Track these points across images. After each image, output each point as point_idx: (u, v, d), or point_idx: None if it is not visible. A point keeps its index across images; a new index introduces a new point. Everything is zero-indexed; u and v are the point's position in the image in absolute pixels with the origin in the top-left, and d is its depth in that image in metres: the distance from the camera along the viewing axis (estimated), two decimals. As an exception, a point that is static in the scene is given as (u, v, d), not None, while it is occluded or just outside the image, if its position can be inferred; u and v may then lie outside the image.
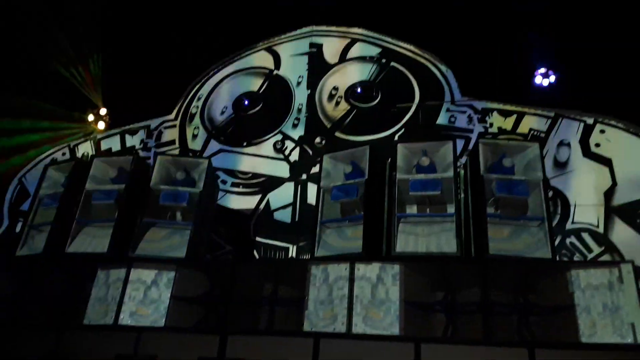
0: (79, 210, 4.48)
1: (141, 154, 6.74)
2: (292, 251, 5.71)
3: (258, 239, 5.89)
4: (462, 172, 4.33)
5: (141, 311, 3.98)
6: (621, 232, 4.80)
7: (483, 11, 6.16)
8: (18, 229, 6.50)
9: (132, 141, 7.10)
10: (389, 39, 6.59)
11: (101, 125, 7.27)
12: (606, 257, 4.72)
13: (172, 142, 6.88)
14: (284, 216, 5.96)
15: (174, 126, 7.01)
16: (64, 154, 7.27)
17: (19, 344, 4.02)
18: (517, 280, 3.69)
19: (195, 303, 4.17)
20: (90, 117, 7.29)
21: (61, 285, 4.52)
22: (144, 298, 4.02)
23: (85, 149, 7.23)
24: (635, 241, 4.75)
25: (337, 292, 3.67)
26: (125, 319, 3.94)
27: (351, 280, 3.67)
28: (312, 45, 6.89)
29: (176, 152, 6.69)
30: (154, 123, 7.11)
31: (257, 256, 5.75)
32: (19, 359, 3.94)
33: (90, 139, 7.27)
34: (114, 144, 7.19)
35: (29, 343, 3.99)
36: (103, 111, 7.34)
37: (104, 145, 7.21)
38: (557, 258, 3.92)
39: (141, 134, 7.09)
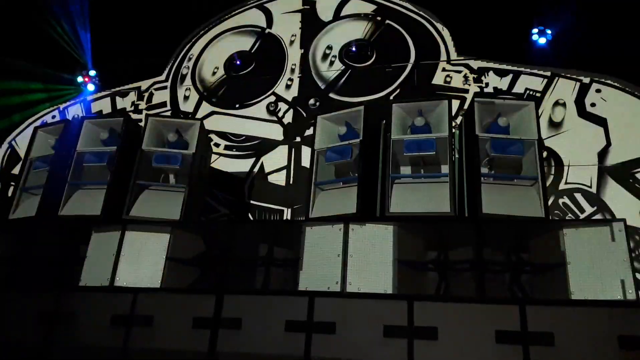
0: (71, 173, 4.43)
1: (133, 116, 6.63)
2: (287, 214, 5.72)
3: (253, 201, 5.89)
4: (457, 132, 4.31)
5: (136, 272, 3.99)
6: (613, 192, 4.83)
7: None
8: (10, 193, 6.48)
9: (123, 103, 6.98)
10: (385, -4, 6.44)
11: (91, 87, 7.13)
12: (598, 217, 4.76)
13: (164, 104, 6.77)
14: (279, 179, 5.95)
15: (165, 87, 6.89)
16: (53, 116, 7.16)
17: (15, 305, 4.05)
18: (510, 239, 3.73)
19: (191, 264, 4.19)
20: (80, 79, 7.14)
21: (55, 248, 4.52)
22: (139, 260, 4.03)
23: (76, 111, 7.12)
24: (627, 201, 4.78)
25: (332, 253, 3.70)
26: (120, 281, 3.96)
27: (345, 240, 3.69)
28: (305, 2, 6.71)
29: (168, 114, 6.59)
30: (144, 85, 6.98)
31: (252, 219, 5.77)
32: (15, 319, 3.97)
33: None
34: (105, 106, 7.08)
35: (26, 304, 4.02)
36: (92, 72, 7.18)
37: (95, 108, 7.09)
38: (550, 217, 3.94)
39: (132, 96, 6.97)
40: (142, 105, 6.85)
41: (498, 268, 3.66)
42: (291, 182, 5.89)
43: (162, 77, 6.97)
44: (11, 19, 7.20)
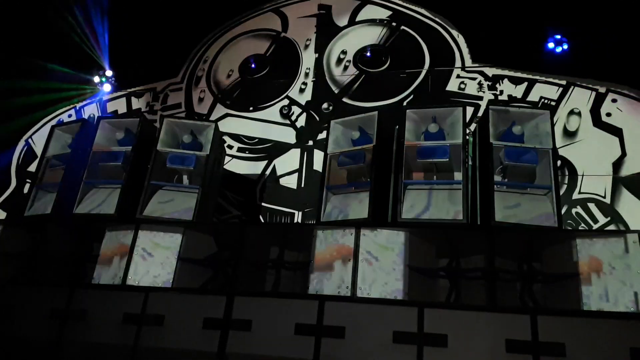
0: (86, 172, 4.50)
1: (148, 116, 6.70)
2: (298, 217, 5.73)
3: (264, 204, 5.91)
4: (471, 139, 4.30)
5: (149, 272, 4.03)
6: (628, 203, 4.78)
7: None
8: (25, 190, 6.57)
9: (138, 104, 7.05)
10: (400, 2, 6.44)
11: (107, 87, 7.21)
12: (612, 228, 4.72)
13: (179, 105, 6.83)
14: (291, 182, 5.96)
15: (180, 89, 6.95)
16: (70, 115, 7.25)
17: (28, 301, 4.10)
18: (522, 248, 3.70)
19: (202, 265, 4.22)
20: (96, 79, 7.22)
21: (69, 245, 4.58)
22: (152, 259, 4.07)
23: (92, 110, 7.20)
24: (642, 212, 4.73)
25: (343, 257, 3.70)
26: (133, 280, 4.00)
27: (356, 245, 3.69)
28: (320, 6, 6.74)
29: (182, 115, 6.65)
30: (160, 86, 7.05)
31: (263, 221, 5.79)
32: (28, 315, 4.02)
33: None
34: (120, 106, 7.15)
35: (39, 300, 4.07)
36: (109, 73, 7.26)
37: (110, 108, 7.17)
38: (563, 227, 3.92)
39: (147, 97, 7.04)
40: (157, 106, 6.91)
41: (510, 277, 3.64)
42: (303, 185, 5.90)
43: (178, 79, 7.03)
44: (30, 18, 7.31)
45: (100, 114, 7.07)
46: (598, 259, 3.29)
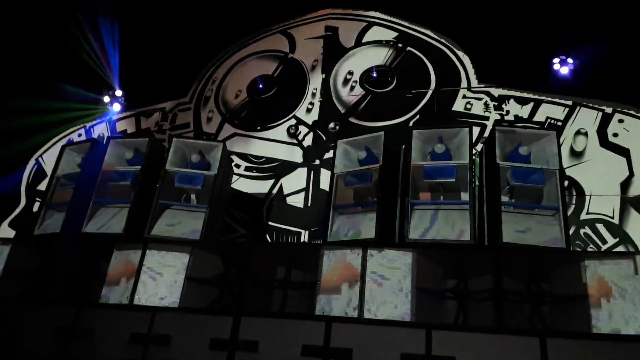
0: (96, 191, 4.53)
1: (156, 136, 6.77)
2: (305, 236, 5.74)
3: (271, 223, 5.93)
4: (478, 159, 4.31)
5: (156, 291, 4.04)
6: (636, 224, 4.75)
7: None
8: (35, 208, 6.62)
9: (147, 123, 7.14)
10: (406, 23, 6.53)
11: (117, 107, 7.30)
12: (620, 249, 4.68)
13: (187, 124, 6.91)
14: (297, 201, 5.98)
15: (189, 109, 7.03)
16: (79, 134, 7.34)
17: (35, 319, 4.11)
18: (530, 269, 3.68)
19: (209, 284, 4.22)
20: (106, 99, 7.32)
21: (77, 264, 4.60)
22: (159, 279, 4.08)
23: (101, 130, 7.29)
24: (651, 233, 4.70)
25: (350, 278, 3.70)
26: (140, 299, 4.01)
27: (363, 266, 3.69)
28: (327, 28, 6.84)
29: (190, 134, 6.72)
30: (168, 105, 7.14)
31: (269, 241, 5.80)
32: (35, 333, 4.03)
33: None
34: (129, 125, 7.24)
35: (46, 319, 4.07)
36: (119, 93, 7.37)
37: (119, 127, 7.26)
38: (571, 248, 3.90)
39: (156, 116, 7.13)
40: (166, 125, 6.99)
41: (518, 298, 3.62)
42: (309, 204, 5.92)
43: (187, 99, 7.12)
44: (40, 38, 7.45)
45: (109, 134, 7.16)
46: (607, 280, 3.27)
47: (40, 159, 7.25)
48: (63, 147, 5.10)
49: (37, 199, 6.71)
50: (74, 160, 4.95)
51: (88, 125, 7.42)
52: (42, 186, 6.57)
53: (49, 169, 6.30)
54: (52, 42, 7.40)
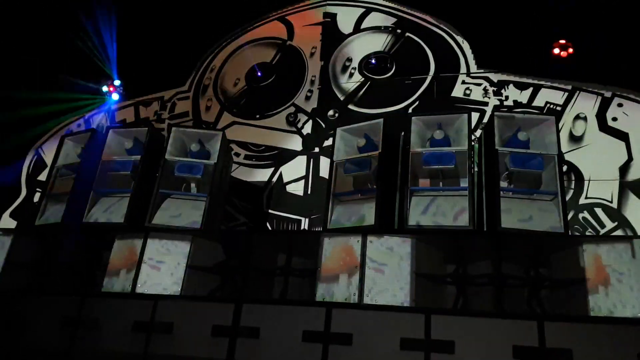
0: (96, 181, 4.55)
1: (155, 125, 6.77)
2: (305, 224, 5.76)
3: (271, 211, 5.95)
4: (477, 145, 4.31)
5: (158, 280, 4.07)
6: (635, 208, 4.77)
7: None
8: (36, 199, 6.64)
9: (146, 112, 7.13)
10: (405, 9, 6.48)
11: (115, 96, 7.29)
12: (619, 233, 4.71)
13: (186, 113, 6.90)
14: (297, 189, 6.00)
15: (187, 98, 7.02)
16: (79, 125, 7.34)
17: (39, 310, 4.15)
18: (529, 254, 3.71)
19: (211, 272, 4.26)
20: (105, 88, 7.30)
21: (79, 254, 4.63)
22: (161, 267, 4.11)
23: (101, 119, 7.29)
24: (649, 216, 4.72)
25: (350, 264, 3.72)
26: (142, 287, 4.04)
27: (363, 252, 3.72)
28: (325, 14, 6.80)
29: (189, 123, 6.71)
30: (167, 94, 7.13)
31: (270, 228, 5.82)
32: (39, 324, 4.07)
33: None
34: (128, 115, 7.23)
35: (49, 309, 4.12)
36: (117, 82, 7.35)
37: (119, 117, 7.25)
38: (570, 232, 3.92)
39: (155, 106, 7.12)
40: (165, 114, 6.99)
41: (517, 283, 3.65)
42: (309, 192, 5.93)
43: (185, 88, 7.10)
44: (38, 29, 7.41)
45: (109, 123, 7.15)
46: (605, 264, 3.30)
47: (40, 149, 7.25)
48: (63, 138, 5.11)
49: (38, 189, 6.73)
50: (73, 150, 4.97)
51: (87, 115, 7.41)
52: (43, 176, 6.59)
53: (49, 160, 6.31)
54: (50, 34, 7.36)
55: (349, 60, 6.47)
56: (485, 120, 5.44)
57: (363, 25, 6.61)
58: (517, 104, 5.56)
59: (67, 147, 4.98)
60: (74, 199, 4.57)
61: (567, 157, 5.11)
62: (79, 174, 4.68)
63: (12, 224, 6.74)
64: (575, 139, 5.22)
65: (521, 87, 5.64)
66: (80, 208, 4.49)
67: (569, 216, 4.84)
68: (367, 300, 3.56)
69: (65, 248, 4.66)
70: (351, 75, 6.38)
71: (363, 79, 6.29)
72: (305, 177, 6.03)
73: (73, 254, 4.63)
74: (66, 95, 7.34)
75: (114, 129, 4.87)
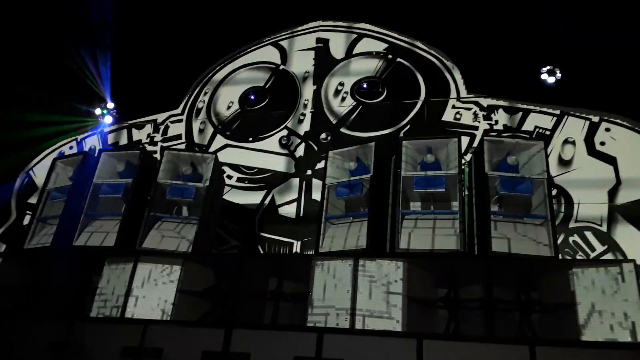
0: (87, 204, 4.53)
1: (148, 147, 6.77)
2: (297, 247, 5.74)
3: (263, 234, 5.93)
4: (467, 169, 4.35)
5: (147, 304, 4.03)
6: (624, 231, 4.81)
7: (490, 7, 6.14)
8: (26, 222, 6.58)
9: (139, 135, 7.14)
10: (396, 35, 6.60)
11: (108, 119, 7.30)
12: (609, 256, 4.73)
13: (179, 136, 6.92)
14: (289, 212, 5.99)
15: (181, 120, 7.05)
16: (71, 147, 7.33)
17: (27, 333, 4.08)
18: (520, 278, 3.72)
19: (201, 297, 4.22)
20: (98, 111, 7.32)
21: (69, 277, 4.57)
22: (151, 291, 4.07)
23: (92, 142, 7.29)
24: (638, 240, 4.75)
25: (341, 288, 3.71)
26: (131, 312, 3.99)
27: (355, 276, 3.70)
28: (318, 40, 6.90)
29: (182, 146, 6.72)
30: (160, 117, 7.15)
31: (261, 251, 5.80)
32: (27, 348, 4.00)
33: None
34: (121, 138, 7.24)
35: (37, 333, 4.05)
36: (110, 105, 7.37)
37: (111, 139, 7.26)
38: (560, 256, 3.94)
39: (148, 128, 7.13)
40: (158, 137, 7.00)
41: (508, 307, 3.64)
42: (301, 214, 5.93)
43: (178, 110, 7.14)
44: (32, 50, 7.45)
45: (101, 146, 7.15)
46: (595, 288, 3.31)
47: (31, 171, 7.22)
48: (54, 160, 5.11)
49: (28, 212, 6.68)
50: (65, 173, 4.95)
51: (79, 137, 7.40)
52: (33, 199, 6.53)
53: (40, 182, 6.28)
54: (44, 55, 7.40)
55: (341, 84, 6.55)
56: (475, 144, 5.50)
57: (355, 51, 6.71)
58: (506, 128, 5.63)
59: (59, 170, 4.97)
60: (65, 222, 4.54)
61: (556, 180, 5.16)
62: (70, 197, 4.65)
63: (1, 247, 6.67)
64: (564, 163, 5.28)
65: (510, 111, 5.72)
66: (71, 231, 4.46)
67: (560, 240, 4.87)
68: (358, 325, 3.53)
69: (54, 272, 4.60)
70: (343, 99, 6.45)
71: (355, 102, 6.36)
72: (298, 200, 6.04)
73: (62, 277, 4.57)
74: (59, 118, 7.34)
75: (106, 152, 4.88)
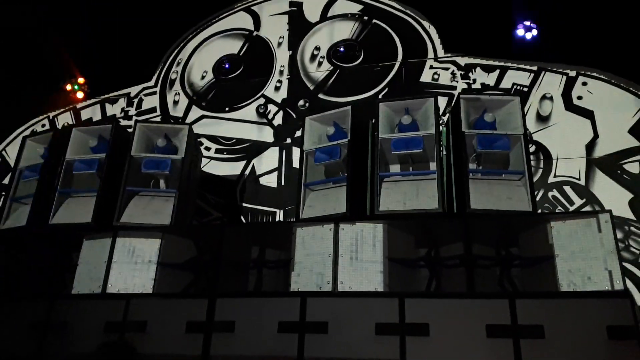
0: (60, 181, 4.43)
1: (123, 122, 6.63)
2: (279, 215, 5.73)
3: (245, 204, 5.89)
4: (444, 129, 4.33)
5: (129, 278, 3.99)
6: (602, 184, 4.87)
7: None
8: (0, 202, 6.45)
9: (113, 110, 6.97)
10: (371, -5, 6.46)
11: (80, 94, 7.11)
12: (587, 209, 4.79)
13: (153, 109, 6.77)
14: (270, 181, 5.95)
15: (154, 93, 6.88)
16: (43, 125, 7.14)
17: (7, 315, 4.04)
18: (499, 234, 3.75)
19: (183, 269, 4.19)
20: (69, 87, 7.12)
21: (47, 257, 4.51)
22: (131, 266, 4.03)
23: (65, 119, 7.11)
24: (616, 192, 4.82)
25: (323, 252, 3.71)
26: (113, 287, 3.96)
27: (336, 240, 3.70)
28: (291, 3, 6.73)
29: (158, 119, 6.59)
30: (134, 90, 6.98)
31: (244, 221, 5.77)
32: (7, 330, 3.96)
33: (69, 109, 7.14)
34: (95, 113, 7.07)
35: (18, 314, 4.01)
36: (82, 80, 7.17)
37: (84, 115, 7.08)
38: (538, 211, 3.97)
39: (122, 102, 6.97)
40: (132, 111, 6.84)
41: (488, 263, 3.68)
42: (282, 183, 5.89)
43: (152, 83, 6.97)
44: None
45: (74, 123, 6.97)
46: (572, 240, 3.34)
47: (3, 152, 7.04)
48: (24, 139, 4.95)
49: (2, 193, 6.54)
50: (36, 151, 4.81)
51: (52, 115, 7.21)
52: (7, 180, 6.38)
53: (12, 162, 6.12)
54: (10, 31, 7.13)
55: (317, 49, 6.42)
56: (454, 103, 5.47)
57: (330, 13, 6.56)
58: (484, 86, 5.60)
59: (30, 148, 4.82)
60: (39, 200, 4.44)
61: (535, 137, 5.18)
62: (43, 175, 4.54)
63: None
64: (543, 119, 5.29)
65: (488, 69, 5.68)
66: (46, 210, 4.36)
67: (539, 195, 4.92)
68: (341, 287, 3.55)
69: (32, 251, 4.53)
70: (320, 64, 6.34)
71: (332, 67, 6.25)
72: (278, 169, 5.99)
73: (40, 257, 4.51)
74: (29, 95, 7.13)
75: (77, 128, 4.74)
